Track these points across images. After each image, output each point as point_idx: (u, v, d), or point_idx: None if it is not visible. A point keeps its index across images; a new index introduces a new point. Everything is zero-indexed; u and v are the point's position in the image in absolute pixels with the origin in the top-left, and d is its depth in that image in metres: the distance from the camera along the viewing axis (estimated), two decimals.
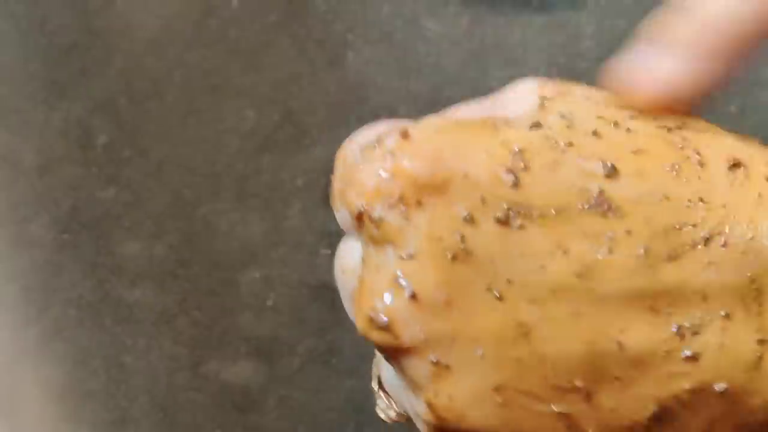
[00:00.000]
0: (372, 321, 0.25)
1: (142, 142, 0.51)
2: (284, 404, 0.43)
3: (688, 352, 0.25)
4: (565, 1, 0.51)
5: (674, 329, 0.25)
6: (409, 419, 0.30)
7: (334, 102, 0.51)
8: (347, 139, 0.27)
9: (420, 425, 0.27)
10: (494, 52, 0.51)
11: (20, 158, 0.51)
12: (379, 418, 0.32)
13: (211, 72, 0.53)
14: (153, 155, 0.51)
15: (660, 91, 0.26)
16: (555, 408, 0.25)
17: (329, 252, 0.46)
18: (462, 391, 0.25)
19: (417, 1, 0.51)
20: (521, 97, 0.27)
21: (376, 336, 0.25)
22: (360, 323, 0.26)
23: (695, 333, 0.25)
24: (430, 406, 0.26)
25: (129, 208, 0.49)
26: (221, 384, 0.44)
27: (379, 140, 0.26)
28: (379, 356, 0.30)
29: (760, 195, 0.26)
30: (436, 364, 0.25)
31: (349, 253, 0.27)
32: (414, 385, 0.26)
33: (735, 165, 0.26)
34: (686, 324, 0.25)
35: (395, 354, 0.26)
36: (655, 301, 0.25)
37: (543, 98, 0.27)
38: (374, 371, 0.31)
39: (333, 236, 0.47)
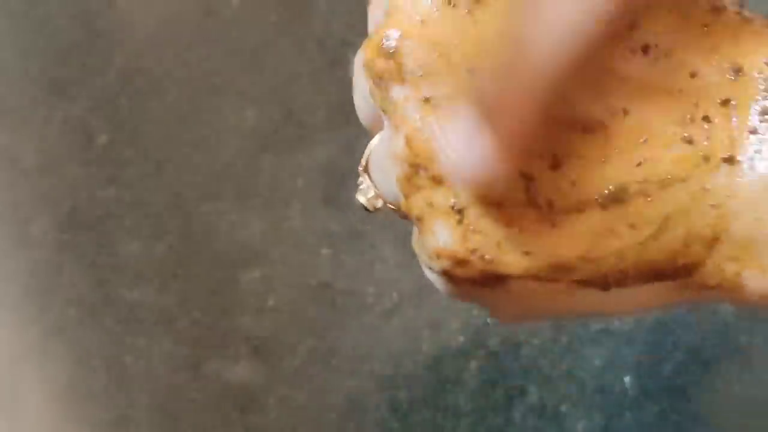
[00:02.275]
0: (381, 47, 0.27)
1: (142, 142, 0.51)
2: (284, 404, 0.43)
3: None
4: None
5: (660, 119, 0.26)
6: (384, 203, 0.31)
7: (334, 102, 0.51)
8: None
9: (396, 174, 0.28)
10: None
11: (20, 158, 0.51)
12: (362, 205, 0.32)
13: (211, 72, 0.53)
14: (153, 155, 0.51)
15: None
16: (519, 166, 0.26)
17: (329, 252, 0.46)
18: (441, 132, 0.26)
19: None
20: None
21: (381, 63, 0.27)
22: (369, 52, 0.27)
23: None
24: (407, 139, 0.27)
25: (129, 208, 0.49)
26: (222, 384, 0.44)
27: None
28: (372, 142, 0.31)
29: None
30: (427, 100, 0.26)
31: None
32: (400, 120, 0.27)
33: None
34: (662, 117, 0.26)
35: (393, 83, 0.27)
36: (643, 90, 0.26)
37: None
38: (365, 155, 0.32)
39: (333, 236, 0.47)
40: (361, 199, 0.31)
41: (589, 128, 0.26)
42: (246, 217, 0.48)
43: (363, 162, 0.31)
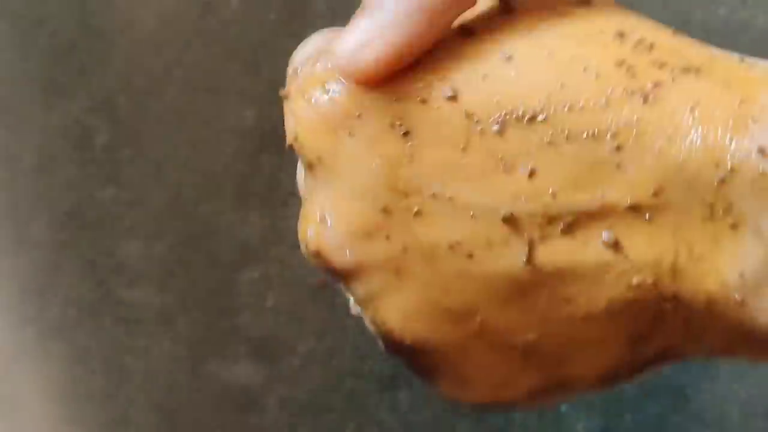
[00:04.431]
0: (307, 248, 0.27)
1: (141, 141, 0.51)
2: (284, 404, 0.43)
3: None
4: None
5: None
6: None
7: None
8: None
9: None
10: None
11: (20, 158, 0.51)
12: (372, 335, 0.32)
13: (210, 72, 0.53)
14: (153, 155, 0.51)
15: (377, 63, 0.26)
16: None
17: None
18: (397, 309, 0.26)
19: None
20: None
21: (315, 262, 0.27)
22: (303, 249, 0.27)
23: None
24: (371, 320, 0.27)
25: (129, 208, 0.49)
26: (221, 384, 0.44)
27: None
28: None
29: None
30: (368, 288, 0.26)
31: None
32: (358, 302, 0.27)
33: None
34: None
35: (335, 277, 0.27)
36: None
37: None
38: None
39: None
40: (356, 311, 0.32)
41: None
42: (245, 217, 0.48)
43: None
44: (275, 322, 0.45)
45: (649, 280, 0.25)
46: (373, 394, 0.42)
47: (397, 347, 0.28)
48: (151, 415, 0.44)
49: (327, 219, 0.27)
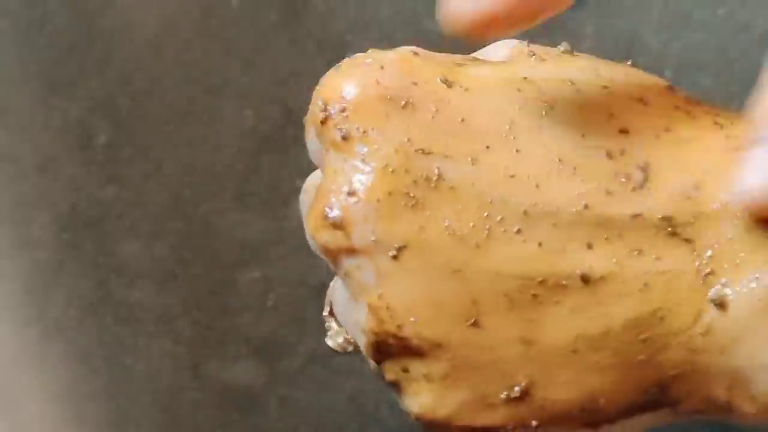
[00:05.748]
0: (325, 218, 0.25)
1: (142, 141, 0.51)
2: (285, 404, 0.43)
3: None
4: None
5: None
6: (356, 347, 0.29)
7: None
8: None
9: (362, 343, 0.26)
10: None
11: (20, 158, 0.51)
12: (333, 350, 0.31)
13: (210, 72, 0.53)
14: (153, 155, 0.51)
15: (473, 16, 0.26)
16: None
17: None
18: (404, 296, 0.25)
19: (417, 1, 0.51)
20: (498, 47, 0.29)
21: (326, 235, 0.25)
22: (312, 222, 0.26)
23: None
24: (371, 308, 0.25)
25: (129, 207, 0.49)
26: (222, 384, 0.44)
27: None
28: (332, 282, 0.30)
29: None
30: (378, 268, 0.25)
31: (315, 177, 0.28)
32: (358, 290, 0.26)
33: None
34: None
35: (342, 254, 0.25)
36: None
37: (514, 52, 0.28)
38: (327, 298, 0.31)
39: None
40: (332, 344, 0.30)
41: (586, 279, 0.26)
42: (246, 217, 0.48)
43: (326, 308, 0.29)
44: (276, 322, 0.45)
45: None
46: (373, 394, 0.42)
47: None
48: (152, 414, 0.44)
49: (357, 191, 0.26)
